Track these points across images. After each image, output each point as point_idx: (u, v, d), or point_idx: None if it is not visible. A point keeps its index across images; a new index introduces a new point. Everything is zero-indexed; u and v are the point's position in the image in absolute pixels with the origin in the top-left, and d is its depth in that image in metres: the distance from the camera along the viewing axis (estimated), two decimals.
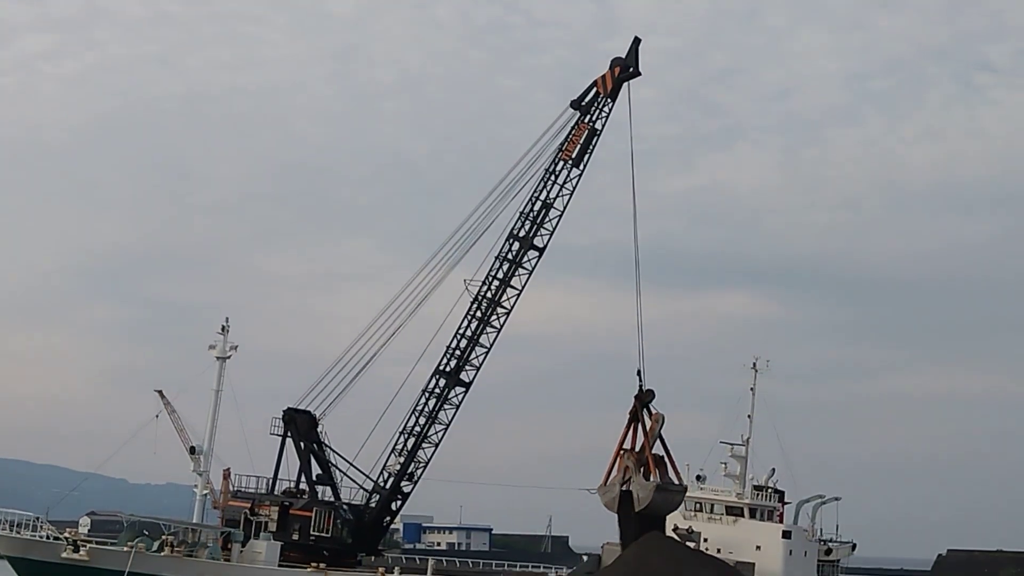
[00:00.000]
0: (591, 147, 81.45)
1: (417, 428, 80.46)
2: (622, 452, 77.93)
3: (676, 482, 78.91)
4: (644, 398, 78.48)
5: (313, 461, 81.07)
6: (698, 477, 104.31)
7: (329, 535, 78.28)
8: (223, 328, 79.42)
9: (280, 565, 73.68)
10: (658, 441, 78.96)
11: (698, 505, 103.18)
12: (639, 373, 78.78)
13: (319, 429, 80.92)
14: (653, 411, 78.65)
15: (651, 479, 77.17)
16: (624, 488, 76.90)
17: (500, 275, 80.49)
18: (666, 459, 78.51)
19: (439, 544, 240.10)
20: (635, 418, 78.08)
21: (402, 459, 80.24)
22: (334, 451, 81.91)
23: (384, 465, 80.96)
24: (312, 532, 77.87)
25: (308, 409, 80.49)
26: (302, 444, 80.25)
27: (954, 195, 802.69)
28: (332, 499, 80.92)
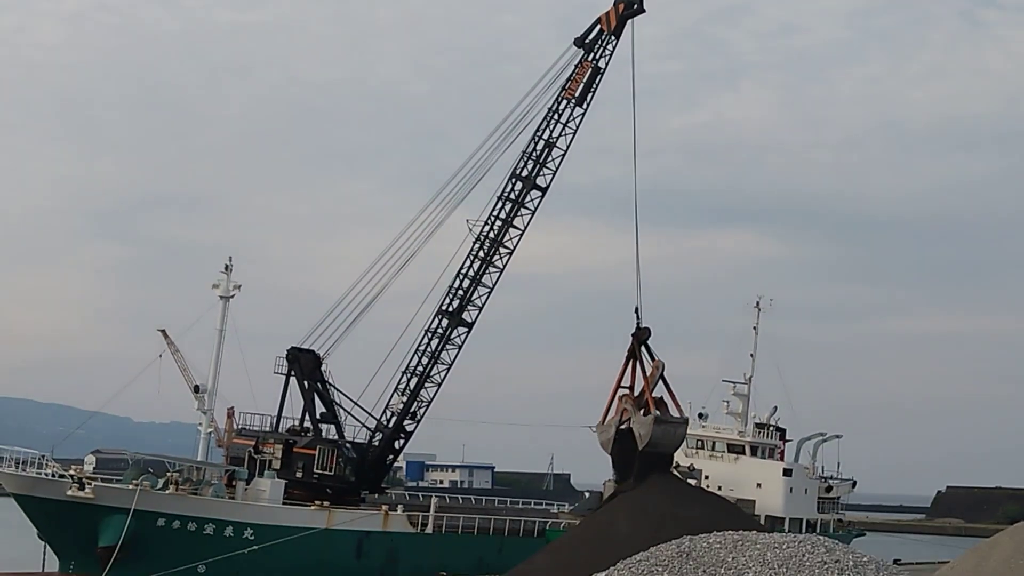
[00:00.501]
0: (594, 86, 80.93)
1: (420, 368, 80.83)
2: (621, 395, 78.37)
3: (677, 415, 79.11)
4: (641, 336, 78.89)
5: (317, 400, 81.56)
6: (700, 415, 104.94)
7: (332, 473, 78.88)
8: (226, 267, 79.46)
9: (284, 503, 74.35)
10: (659, 384, 79.36)
11: (700, 443, 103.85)
12: (637, 311, 79.20)
13: (323, 368, 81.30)
14: (655, 358, 79.03)
15: (677, 413, 77.36)
16: (624, 427, 77.26)
17: (502, 215, 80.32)
18: (666, 398, 78.87)
19: (442, 482, 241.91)
20: (633, 356, 78.47)
21: (405, 398, 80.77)
22: (338, 390, 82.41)
23: (387, 404, 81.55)
24: (316, 470, 78.47)
25: (312, 349, 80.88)
26: (306, 383, 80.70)
27: (958, 133, 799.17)
28: (336, 438, 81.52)
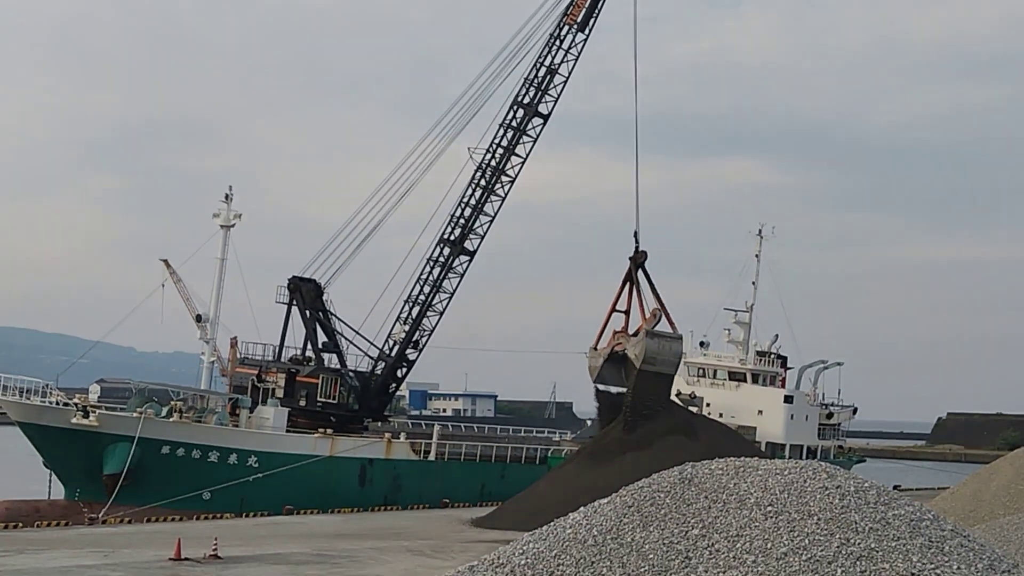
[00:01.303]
0: (597, 11, 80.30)
1: (421, 297, 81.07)
2: (615, 331, 78.66)
3: (670, 330, 78.61)
4: (639, 259, 79.09)
5: (319, 329, 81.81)
6: (701, 343, 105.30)
7: (336, 401, 79.38)
8: (226, 197, 79.11)
9: (288, 431, 74.77)
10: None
11: (701, 371, 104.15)
12: (636, 235, 79.41)
13: (324, 298, 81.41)
14: (652, 282, 79.41)
15: (671, 329, 76.80)
16: (620, 352, 77.12)
17: (504, 143, 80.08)
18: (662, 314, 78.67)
19: (445, 410, 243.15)
20: (629, 279, 78.80)
21: (407, 327, 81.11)
22: (339, 319, 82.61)
23: (390, 333, 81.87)
24: (319, 398, 78.92)
25: (313, 278, 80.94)
26: (308, 312, 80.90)
27: (963, 58, 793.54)
28: (338, 366, 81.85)
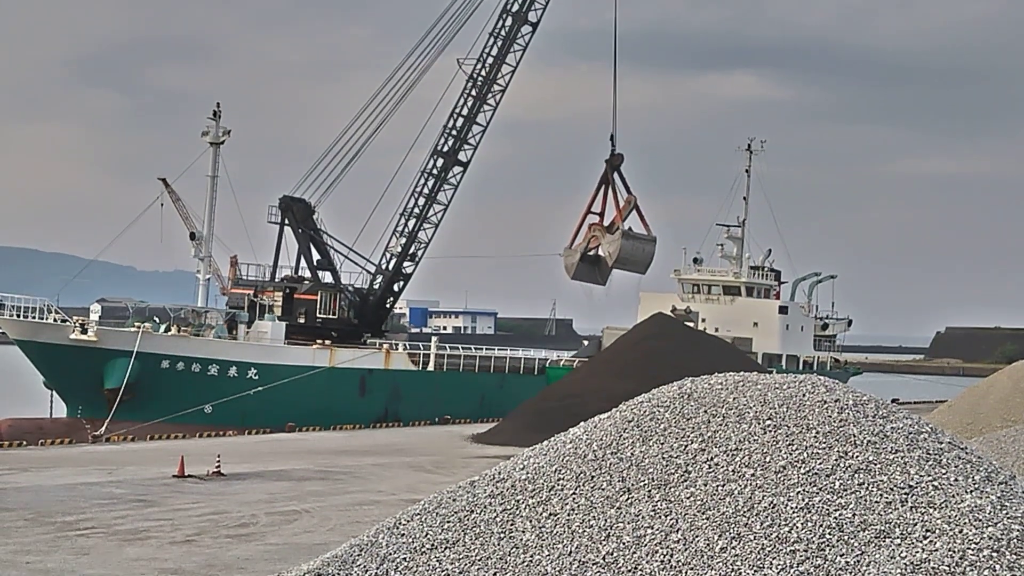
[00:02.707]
0: None
1: (416, 209, 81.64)
2: (590, 223, 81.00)
3: (645, 232, 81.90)
4: (615, 161, 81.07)
5: (312, 248, 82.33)
6: (695, 260, 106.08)
7: (336, 316, 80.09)
8: (215, 114, 78.84)
9: (286, 343, 75.33)
10: (633, 214, 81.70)
11: (695, 287, 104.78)
12: (612, 138, 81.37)
13: (315, 217, 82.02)
14: (628, 186, 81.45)
15: (646, 231, 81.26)
16: (592, 254, 79.71)
17: (494, 52, 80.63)
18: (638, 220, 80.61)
19: (445, 328, 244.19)
20: (605, 182, 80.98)
21: (403, 240, 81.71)
22: (332, 237, 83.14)
23: (386, 247, 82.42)
24: (318, 314, 79.53)
25: (303, 198, 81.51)
26: (300, 230, 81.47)
27: None
28: (335, 283, 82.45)
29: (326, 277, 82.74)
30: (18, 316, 68.51)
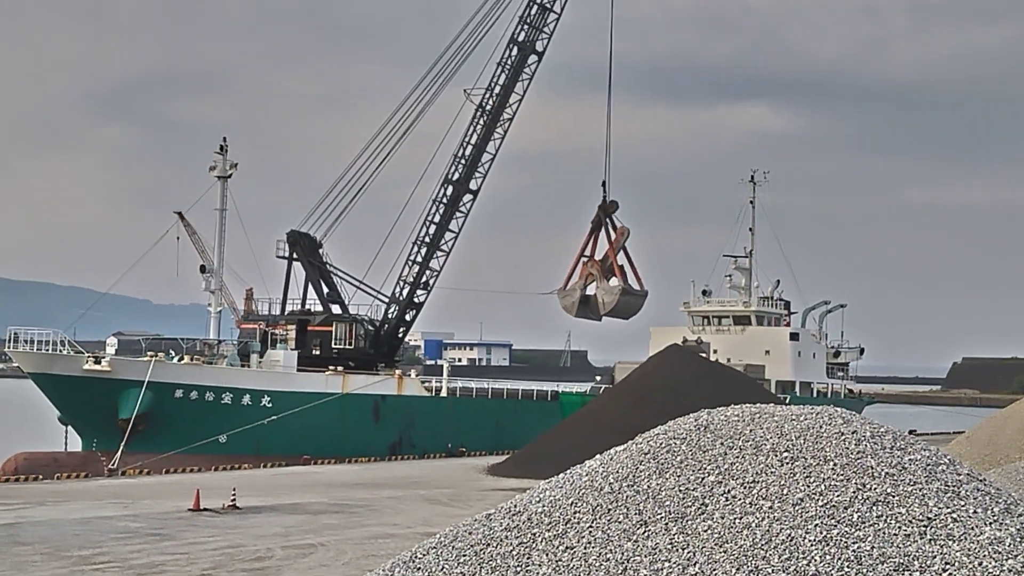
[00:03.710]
0: None
1: (428, 237, 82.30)
2: (585, 259, 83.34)
3: (637, 287, 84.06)
4: (608, 209, 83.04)
5: (321, 281, 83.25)
6: (704, 292, 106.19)
7: (352, 347, 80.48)
8: (221, 148, 79.42)
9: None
10: (622, 252, 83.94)
11: (705, 319, 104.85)
12: (604, 184, 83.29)
13: (321, 251, 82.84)
14: (618, 224, 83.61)
15: (637, 285, 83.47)
16: (584, 293, 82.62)
17: (502, 80, 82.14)
18: (627, 267, 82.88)
19: (460, 360, 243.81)
20: (597, 227, 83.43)
21: (416, 268, 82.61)
22: (340, 271, 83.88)
23: (400, 275, 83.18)
24: (334, 345, 79.85)
25: (308, 232, 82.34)
26: (309, 263, 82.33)
27: (975, 2, 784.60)
28: (348, 314, 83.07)
29: (334, 309, 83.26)
30: (32, 349, 68.63)
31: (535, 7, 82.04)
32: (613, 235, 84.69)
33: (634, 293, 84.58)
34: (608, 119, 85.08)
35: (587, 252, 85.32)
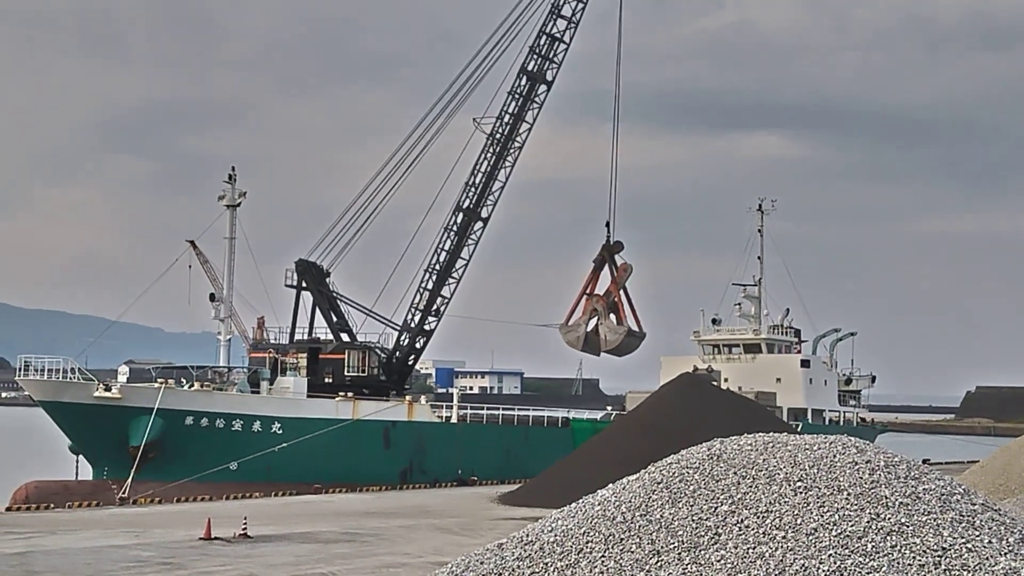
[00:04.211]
0: None
1: (438, 265, 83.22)
2: (590, 295, 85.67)
3: (636, 329, 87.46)
4: (613, 249, 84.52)
5: (330, 310, 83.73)
6: (714, 320, 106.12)
7: (366, 375, 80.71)
8: (230, 177, 79.86)
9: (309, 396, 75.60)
10: (623, 291, 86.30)
11: (715, 347, 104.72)
12: (607, 224, 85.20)
13: (329, 280, 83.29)
14: (620, 261, 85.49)
15: (622, 324, 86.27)
16: (587, 330, 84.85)
17: (513, 110, 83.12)
18: (627, 307, 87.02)
19: (471, 388, 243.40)
20: (601, 265, 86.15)
21: (427, 295, 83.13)
22: (348, 300, 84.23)
23: (412, 303, 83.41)
24: (347, 373, 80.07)
25: (315, 261, 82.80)
26: (317, 291, 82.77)
27: (987, 32, 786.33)
28: (361, 341, 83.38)
29: (343, 337, 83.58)
30: (42, 377, 68.67)
31: (545, 37, 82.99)
32: (616, 272, 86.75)
33: (635, 334, 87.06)
34: (614, 163, 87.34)
35: (589, 289, 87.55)
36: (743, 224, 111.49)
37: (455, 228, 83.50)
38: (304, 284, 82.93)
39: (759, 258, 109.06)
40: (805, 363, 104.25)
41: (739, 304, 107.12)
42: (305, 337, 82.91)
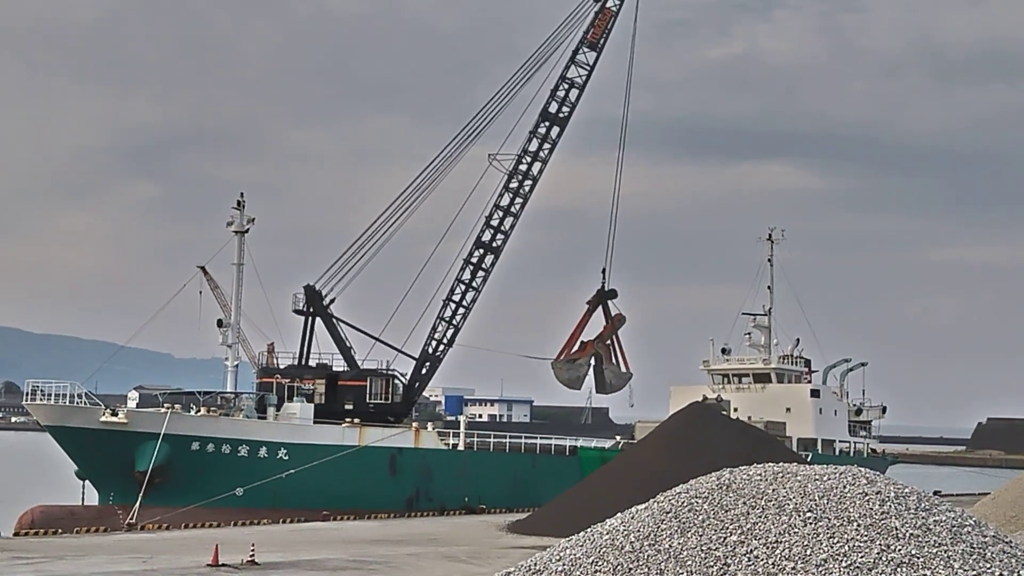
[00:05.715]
0: (608, 31, 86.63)
1: (456, 296, 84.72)
2: (591, 340, 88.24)
3: (624, 370, 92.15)
4: (607, 296, 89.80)
5: (333, 335, 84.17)
6: (723, 350, 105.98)
7: (389, 402, 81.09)
8: (239, 203, 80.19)
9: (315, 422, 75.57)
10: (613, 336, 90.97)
11: (725, 377, 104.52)
12: (603, 272, 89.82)
13: (330, 308, 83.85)
14: (614, 311, 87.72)
15: (623, 368, 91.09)
16: (589, 369, 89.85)
17: (532, 148, 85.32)
18: (617, 352, 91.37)
19: (481, 416, 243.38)
20: (594, 308, 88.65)
21: (449, 328, 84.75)
22: (354, 326, 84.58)
23: (430, 334, 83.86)
24: (370, 400, 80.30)
25: (320, 290, 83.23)
26: (325, 318, 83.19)
27: (998, 61, 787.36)
28: (383, 368, 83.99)
29: (361, 363, 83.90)
30: (49, 401, 68.64)
31: (564, 83, 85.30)
32: (611, 320, 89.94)
33: (627, 377, 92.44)
34: (613, 212, 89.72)
35: (581, 330, 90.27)
36: (751, 253, 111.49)
37: (472, 262, 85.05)
38: (312, 309, 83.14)
39: (769, 287, 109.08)
40: (815, 393, 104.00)
41: (749, 334, 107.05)
42: (307, 363, 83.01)
